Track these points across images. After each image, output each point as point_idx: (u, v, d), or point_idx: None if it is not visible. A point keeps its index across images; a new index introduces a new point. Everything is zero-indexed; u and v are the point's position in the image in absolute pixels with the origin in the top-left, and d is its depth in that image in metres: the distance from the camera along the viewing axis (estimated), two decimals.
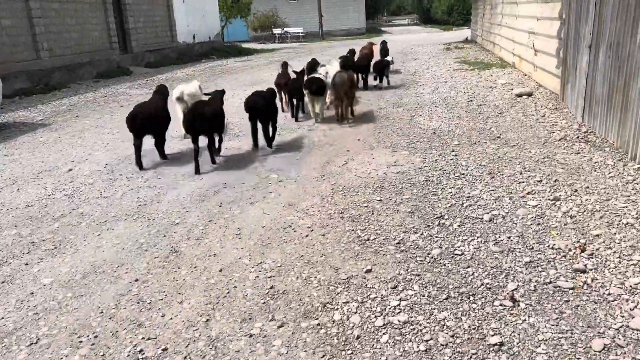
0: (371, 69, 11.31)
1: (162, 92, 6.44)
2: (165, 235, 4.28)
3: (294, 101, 8.25)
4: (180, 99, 6.95)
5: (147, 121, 5.79)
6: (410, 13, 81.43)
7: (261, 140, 6.61)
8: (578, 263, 3.46)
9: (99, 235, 4.38)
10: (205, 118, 5.50)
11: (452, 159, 5.90)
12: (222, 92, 6.30)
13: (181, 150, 6.96)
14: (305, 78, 8.01)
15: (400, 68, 14.83)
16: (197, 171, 5.65)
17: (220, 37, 27.30)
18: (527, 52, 11.59)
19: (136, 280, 3.56)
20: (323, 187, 5.24)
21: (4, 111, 10.70)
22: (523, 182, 5.04)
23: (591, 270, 3.38)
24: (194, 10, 23.03)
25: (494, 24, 16.87)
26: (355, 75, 9.25)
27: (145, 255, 3.95)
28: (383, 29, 50.16)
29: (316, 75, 7.80)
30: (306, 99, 8.01)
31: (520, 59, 12.46)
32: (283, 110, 8.77)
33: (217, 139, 6.12)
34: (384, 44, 13.31)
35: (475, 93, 9.97)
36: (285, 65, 9.00)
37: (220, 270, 3.63)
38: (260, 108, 6.15)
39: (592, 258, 3.51)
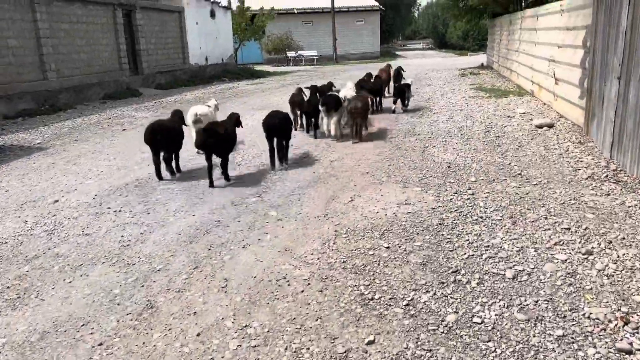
0: (390, 93, 11.70)
1: (179, 116, 6.76)
2: (143, 285, 3.79)
3: (312, 119, 8.84)
4: (196, 122, 7.19)
5: (164, 135, 6.13)
6: (425, 37, 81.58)
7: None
8: (621, 340, 2.88)
9: (70, 282, 3.90)
10: (216, 137, 5.70)
11: (468, 199, 5.36)
12: (237, 115, 6.49)
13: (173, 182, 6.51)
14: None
15: (414, 94, 14.35)
16: (210, 185, 5.92)
17: (234, 59, 27.21)
18: (547, 81, 11.07)
19: (100, 344, 3.06)
20: (325, 228, 4.73)
21: (4, 132, 10.41)
22: (549, 229, 4.48)
23: (638, 350, 2.79)
24: (207, 32, 22.94)
25: (511, 50, 16.43)
26: (369, 99, 9.70)
27: (117, 310, 3.45)
28: (397, 52, 50.13)
29: (332, 93, 8.54)
30: (322, 115, 8.51)
31: (540, 88, 11.94)
32: (295, 129, 8.91)
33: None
34: (399, 69, 13.21)
35: (492, 123, 9.45)
36: (299, 90, 9.33)
37: (198, 335, 3.12)
38: (277, 127, 6.56)
39: (637, 334, 2.93)
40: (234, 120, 6.35)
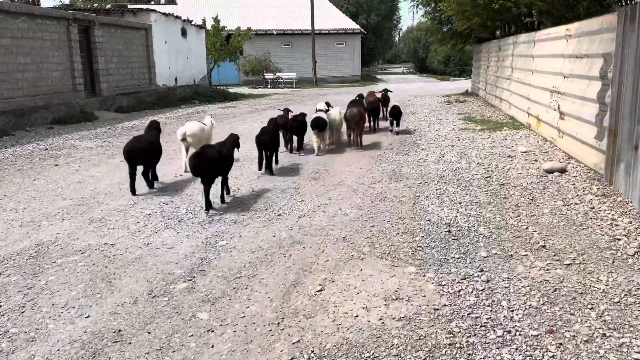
0: (387, 115, 11.59)
1: (155, 128, 6.92)
2: None
3: (293, 137, 9.17)
4: (184, 140, 7.19)
5: (140, 154, 6.35)
6: (405, 61, 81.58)
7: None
8: None
9: None
10: (210, 163, 5.52)
11: (483, 290, 3.78)
12: (236, 136, 6.51)
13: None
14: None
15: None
16: (208, 207, 5.62)
17: (207, 80, 25.66)
18: (548, 114, 9.71)
19: None
20: (277, 351, 3.06)
21: None
22: (611, 352, 2.89)
23: None
24: (177, 51, 21.35)
25: (501, 78, 15.18)
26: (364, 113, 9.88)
27: None
28: (378, 76, 49.37)
29: (320, 115, 8.98)
30: (313, 134, 8.97)
31: (538, 121, 10.58)
32: (291, 151, 9.20)
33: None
34: (385, 91, 13.06)
35: (492, 164, 7.97)
36: (286, 110, 9.41)
37: None
38: (267, 142, 7.27)
39: None
40: (232, 141, 6.29)
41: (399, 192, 6.58)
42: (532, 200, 6.12)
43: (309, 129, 9.00)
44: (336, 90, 28.88)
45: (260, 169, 7.54)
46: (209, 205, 5.60)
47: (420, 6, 21.50)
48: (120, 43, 17.43)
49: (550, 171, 7.35)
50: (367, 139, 10.65)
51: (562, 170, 7.34)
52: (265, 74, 33.84)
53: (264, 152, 7.46)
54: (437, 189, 6.68)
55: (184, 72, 22.05)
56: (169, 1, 51.26)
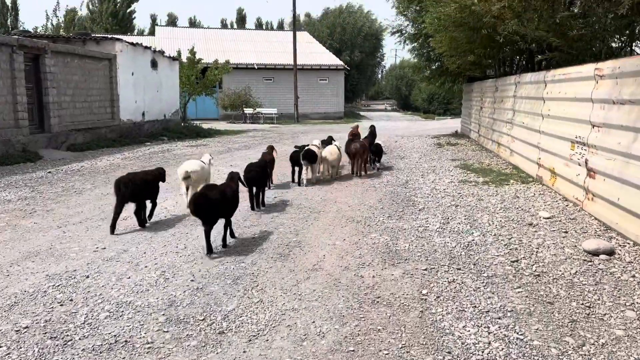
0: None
1: (159, 171, 6.92)
2: None
3: (296, 169, 9.66)
4: (186, 178, 7.13)
5: (134, 189, 6.32)
6: (388, 98, 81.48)
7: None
8: None
9: None
10: (212, 203, 5.36)
11: None
12: (238, 175, 6.28)
13: None
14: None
15: (387, 169, 11.48)
16: (209, 251, 5.39)
17: (180, 115, 23.96)
18: (569, 168, 7.98)
19: None
20: None
21: None
22: None
23: None
24: (146, 84, 19.52)
25: (499, 121, 13.63)
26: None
27: None
28: (362, 113, 48.66)
29: (311, 147, 9.36)
30: (304, 166, 9.30)
31: (553, 175, 8.84)
32: (269, 187, 8.97)
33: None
34: (372, 128, 12.78)
35: (513, 238, 6.14)
36: (271, 148, 9.40)
37: None
38: (256, 178, 7.38)
39: None
40: (236, 181, 6.16)
41: (398, 288, 4.64)
42: (589, 307, 4.22)
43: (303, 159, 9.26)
44: (318, 127, 27.69)
45: (252, 208, 7.48)
46: (210, 249, 5.42)
47: (407, 42, 20.18)
48: (77, 74, 15.50)
49: (595, 253, 5.49)
50: (351, 191, 8.95)
51: (611, 252, 5.48)
52: (244, 109, 32.72)
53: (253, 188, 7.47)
54: (450, 282, 4.76)
55: (153, 106, 20.22)
56: (150, 33, 50.12)
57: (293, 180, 9.75)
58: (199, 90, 25.31)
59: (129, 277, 4.91)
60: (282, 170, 10.89)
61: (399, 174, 10.98)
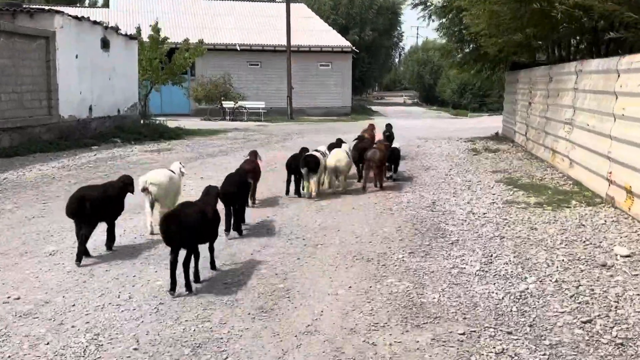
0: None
1: (123, 181, 7.00)
2: None
3: (292, 177, 10.01)
4: (145, 190, 7.28)
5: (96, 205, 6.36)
6: (407, 89, 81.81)
7: None
8: None
9: None
10: (187, 227, 5.43)
11: None
12: (217, 190, 6.57)
13: None
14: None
15: (407, 184, 11.29)
16: (172, 288, 5.35)
17: (140, 110, 23.76)
18: None
19: None
20: None
21: None
22: None
23: None
24: (94, 70, 19.21)
25: (553, 121, 13.35)
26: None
27: None
28: (374, 108, 48.78)
29: (313, 153, 9.89)
30: (304, 174, 9.76)
31: (630, 195, 8.48)
32: (251, 204, 9.15)
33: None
34: (389, 128, 13.77)
35: (580, 285, 5.81)
36: (254, 154, 9.71)
37: None
38: (233, 194, 7.40)
39: None
40: (214, 197, 6.37)
41: None
42: None
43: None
44: (317, 127, 27.79)
45: (227, 230, 7.42)
46: (174, 285, 5.41)
47: (433, 17, 19.97)
48: (3, 56, 15.15)
49: None
50: (359, 214, 8.73)
51: None
52: (223, 103, 32.56)
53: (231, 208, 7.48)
54: (498, 354, 4.35)
55: (103, 99, 19.91)
56: (104, 5, 50.03)
57: (287, 192, 10.02)
58: (164, 78, 25.03)
59: (48, 343, 4.50)
60: (268, 183, 10.84)
61: (424, 191, 10.71)
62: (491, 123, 27.15)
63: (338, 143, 11.51)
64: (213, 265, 6.09)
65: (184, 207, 5.71)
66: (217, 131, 24.28)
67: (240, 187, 7.65)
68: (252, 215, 8.50)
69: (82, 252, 6.35)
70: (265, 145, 18.22)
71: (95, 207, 6.33)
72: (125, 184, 6.94)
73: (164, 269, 5.88)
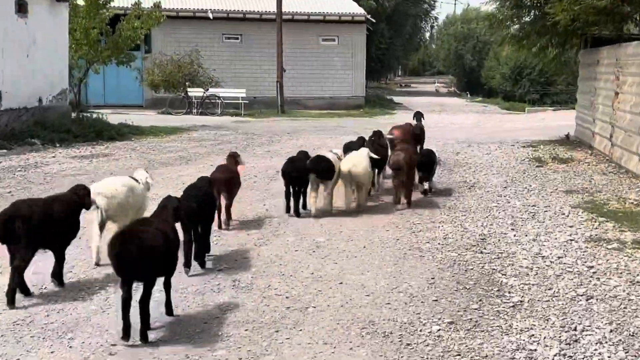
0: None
1: (76, 193, 7.24)
2: None
3: (291, 189, 10.19)
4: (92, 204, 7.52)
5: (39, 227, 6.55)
6: (441, 73, 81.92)
7: None
8: None
9: None
10: (144, 252, 5.61)
11: None
12: (176, 204, 6.67)
13: None
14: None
15: (443, 208, 11.13)
16: (125, 333, 5.57)
17: (73, 99, 23.80)
18: None
19: None
20: None
21: None
22: None
23: None
24: (4, 44, 18.70)
25: None
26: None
27: None
28: (396, 99, 48.44)
29: (324, 154, 10.52)
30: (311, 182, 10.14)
31: None
32: (220, 227, 9.36)
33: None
34: (418, 117, 15.27)
35: None
36: (233, 157, 9.99)
37: None
38: (196, 212, 7.49)
39: None
40: (173, 213, 6.49)
41: None
42: None
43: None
44: (316, 125, 27.52)
45: (187, 265, 7.44)
46: (128, 329, 5.58)
47: None
48: None
49: None
50: (372, 254, 8.39)
51: None
52: (188, 90, 32.24)
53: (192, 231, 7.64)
54: None
55: (18, 84, 19.52)
56: None
57: (288, 210, 10.26)
58: (106, 55, 24.49)
59: None
60: (243, 202, 10.80)
61: (468, 221, 10.32)
62: (558, 121, 27.00)
63: (360, 142, 11.88)
64: (170, 309, 6.20)
65: (142, 224, 5.96)
66: (179, 129, 24.10)
67: (204, 202, 7.69)
68: (218, 250, 8.38)
69: (14, 291, 6.41)
70: (242, 151, 17.50)
71: (32, 228, 6.40)
72: (79, 197, 7.07)
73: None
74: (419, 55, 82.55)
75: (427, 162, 11.83)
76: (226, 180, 9.07)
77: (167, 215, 6.37)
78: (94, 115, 22.93)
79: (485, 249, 8.68)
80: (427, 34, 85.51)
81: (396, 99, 48.82)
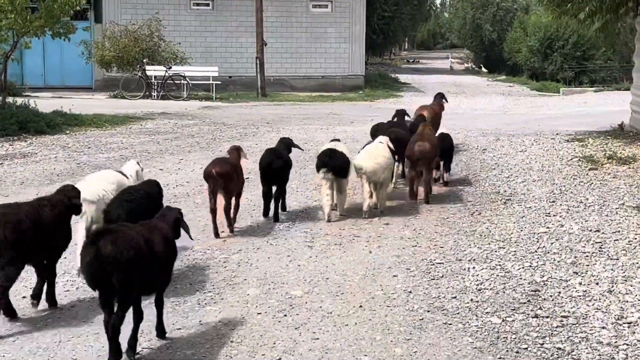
0: None
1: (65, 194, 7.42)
2: None
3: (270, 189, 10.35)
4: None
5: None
6: (455, 47, 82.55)
7: None
8: None
9: None
10: (123, 263, 5.64)
11: None
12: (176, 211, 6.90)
13: None
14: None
15: (471, 235, 9.89)
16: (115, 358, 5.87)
17: None
18: None
19: None
20: None
21: None
22: None
23: None
24: None
25: None
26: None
27: None
28: (402, 78, 47.79)
29: (333, 147, 10.54)
30: (322, 183, 10.26)
31: None
32: (217, 234, 9.48)
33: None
34: (439, 98, 16.21)
35: None
36: (237, 150, 10.09)
37: None
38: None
39: None
40: (173, 221, 6.60)
41: None
42: None
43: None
44: (305, 111, 26.77)
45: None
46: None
47: None
48: None
49: None
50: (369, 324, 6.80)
51: None
52: (147, 68, 31.26)
53: None
54: None
55: None
56: None
57: (266, 213, 10.33)
58: (37, 25, 23.01)
59: None
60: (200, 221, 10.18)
61: (509, 255, 8.93)
62: (603, 105, 26.64)
63: (375, 132, 12.40)
64: (161, 330, 6.32)
65: (122, 229, 5.88)
66: (130, 118, 23.24)
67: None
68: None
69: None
70: (205, 148, 17.06)
71: (19, 238, 6.52)
72: (70, 199, 7.15)
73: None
74: (429, 25, 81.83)
75: (448, 147, 12.30)
76: (225, 174, 9.04)
77: (162, 225, 6.35)
78: (25, 103, 21.76)
79: (541, 309, 7.18)
80: (439, 1, 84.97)
81: (403, 77, 48.18)
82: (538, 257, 8.74)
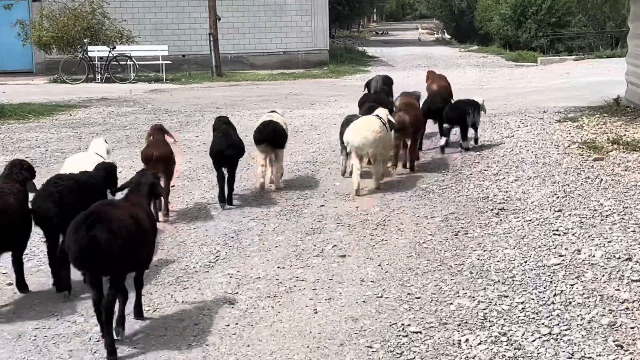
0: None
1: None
2: None
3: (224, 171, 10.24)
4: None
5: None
6: (425, 17, 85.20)
7: None
8: None
9: None
10: (116, 250, 5.72)
11: None
12: (153, 177, 6.91)
13: None
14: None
15: (455, 274, 7.60)
16: (111, 351, 5.78)
17: None
18: None
19: None
20: None
21: None
22: None
23: None
24: None
25: None
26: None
27: None
28: (370, 51, 46.81)
29: (273, 119, 10.73)
30: (258, 155, 10.55)
31: None
32: (158, 220, 9.00)
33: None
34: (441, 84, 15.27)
35: None
36: (160, 129, 10.14)
37: None
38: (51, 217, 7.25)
39: None
40: (148, 191, 6.65)
41: None
42: None
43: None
44: (263, 92, 25.51)
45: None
46: (113, 345, 5.75)
47: None
48: None
49: None
50: None
51: None
52: (89, 49, 29.90)
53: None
54: None
55: None
56: None
57: (222, 199, 10.08)
58: None
59: None
60: None
61: (511, 311, 6.43)
62: (589, 76, 25.42)
63: (370, 105, 11.79)
64: (139, 311, 6.38)
65: (106, 207, 6.00)
66: (60, 107, 21.72)
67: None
68: None
69: None
70: (135, 142, 15.33)
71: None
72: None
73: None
74: None
75: (461, 112, 12.72)
76: (163, 157, 9.00)
77: (140, 196, 6.44)
78: None
79: None
80: None
81: (370, 50, 47.28)
82: (559, 315, 6.07)
